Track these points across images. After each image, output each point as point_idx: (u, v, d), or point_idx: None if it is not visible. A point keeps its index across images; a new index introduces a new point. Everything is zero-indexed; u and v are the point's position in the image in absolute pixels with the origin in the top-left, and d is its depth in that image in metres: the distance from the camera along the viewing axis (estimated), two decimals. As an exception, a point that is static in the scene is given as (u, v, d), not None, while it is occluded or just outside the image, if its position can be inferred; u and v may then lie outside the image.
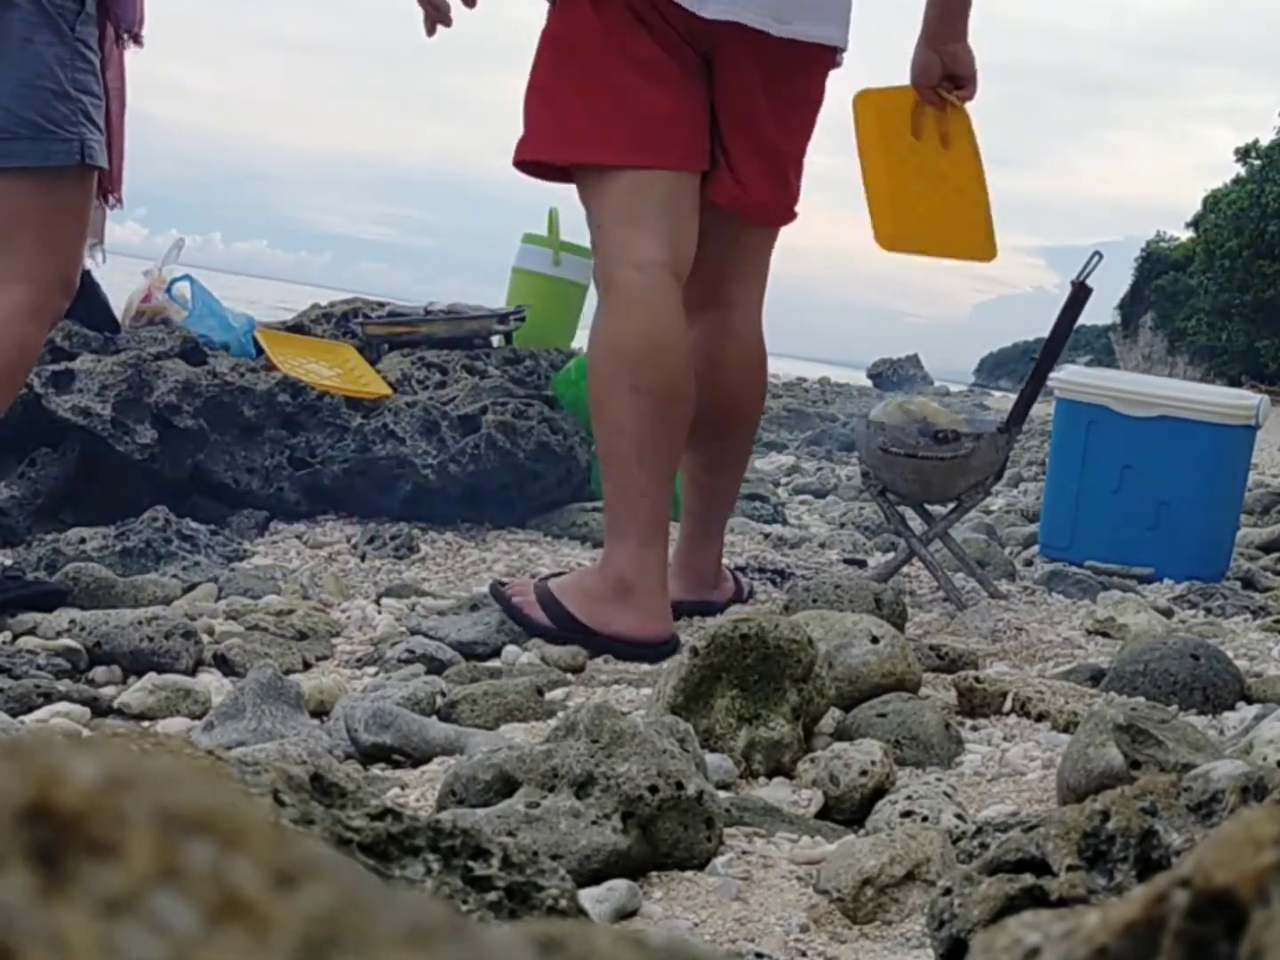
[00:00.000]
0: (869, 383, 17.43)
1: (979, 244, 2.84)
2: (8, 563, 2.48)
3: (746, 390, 2.56)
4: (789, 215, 2.56)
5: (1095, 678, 2.15)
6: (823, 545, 3.56)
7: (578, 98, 2.34)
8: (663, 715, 1.52)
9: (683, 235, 2.33)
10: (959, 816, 1.43)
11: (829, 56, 2.45)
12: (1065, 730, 1.83)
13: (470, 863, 0.92)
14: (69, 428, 2.93)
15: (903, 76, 2.66)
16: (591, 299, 3.25)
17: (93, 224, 3.26)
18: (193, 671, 2.00)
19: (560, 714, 1.68)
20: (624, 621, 2.23)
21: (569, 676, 2.10)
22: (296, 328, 3.92)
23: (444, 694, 1.89)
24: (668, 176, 2.32)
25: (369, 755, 1.67)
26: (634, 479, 2.26)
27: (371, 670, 2.10)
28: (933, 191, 2.79)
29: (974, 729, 1.89)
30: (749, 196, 2.44)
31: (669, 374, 2.27)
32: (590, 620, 2.24)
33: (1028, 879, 0.95)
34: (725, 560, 3.05)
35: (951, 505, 2.93)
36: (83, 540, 2.55)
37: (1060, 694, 1.97)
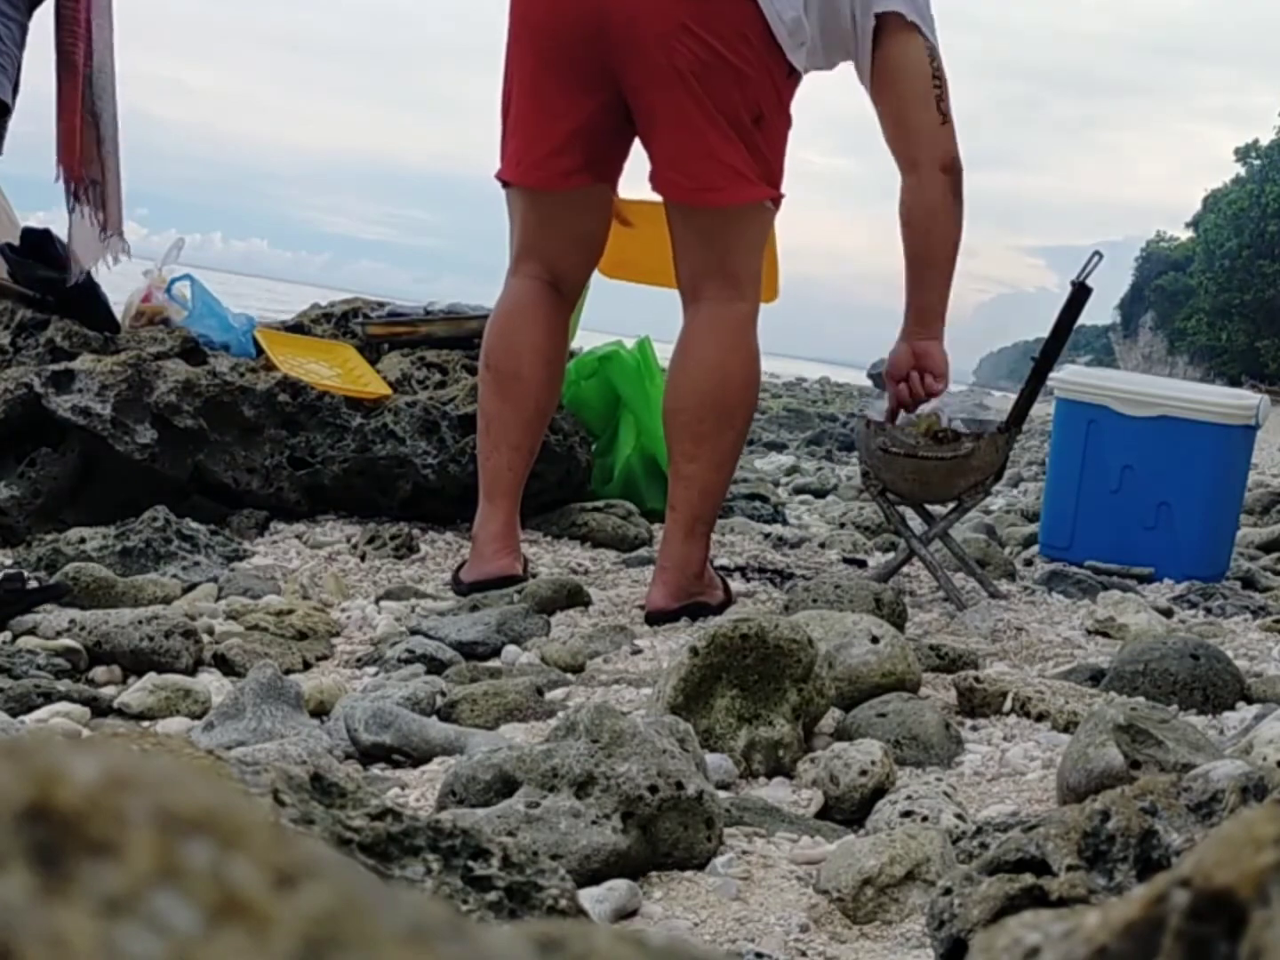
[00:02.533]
0: (869, 383, 17.45)
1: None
2: (8, 563, 2.48)
3: (706, 371, 2.54)
4: (713, 195, 2.53)
5: (1095, 678, 2.15)
6: (823, 545, 3.56)
7: (502, 119, 2.70)
8: (663, 715, 1.52)
9: (560, 247, 2.71)
10: (959, 816, 1.43)
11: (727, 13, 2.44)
12: (1065, 730, 1.83)
13: (470, 863, 0.92)
14: (69, 428, 2.93)
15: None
16: (591, 299, 3.26)
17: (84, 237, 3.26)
18: (193, 671, 2.00)
19: (560, 714, 1.68)
20: (474, 569, 2.67)
21: (569, 676, 2.10)
22: (296, 328, 3.92)
23: (444, 694, 1.89)
24: (547, 195, 2.66)
25: (369, 755, 1.67)
26: (482, 445, 2.75)
27: (371, 670, 2.09)
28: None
29: (974, 729, 1.89)
30: (661, 180, 2.59)
31: (513, 358, 2.69)
32: (463, 577, 2.67)
33: (1028, 879, 0.95)
34: (725, 560, 3.05)
35: (951, 505, 2.93)
36: (83, 540, 2.55)
37: (1060, 694, 1.97)
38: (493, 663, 2.18)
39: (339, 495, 3.23)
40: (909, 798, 1.46)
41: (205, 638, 2.10)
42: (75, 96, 2.91)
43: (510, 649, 2.23)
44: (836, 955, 1.18)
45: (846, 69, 2.69)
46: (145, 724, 1.77)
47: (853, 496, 4.88)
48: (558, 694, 1.96)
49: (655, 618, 2.48)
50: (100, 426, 2.91)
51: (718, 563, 2.93)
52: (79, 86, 2.93)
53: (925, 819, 1.41)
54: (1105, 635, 2.58)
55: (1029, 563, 3.58)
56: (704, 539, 2.60)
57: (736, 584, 2.84)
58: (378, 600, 2.54)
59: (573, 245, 2.74)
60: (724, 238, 2.56)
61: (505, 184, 2.73)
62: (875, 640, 1.91)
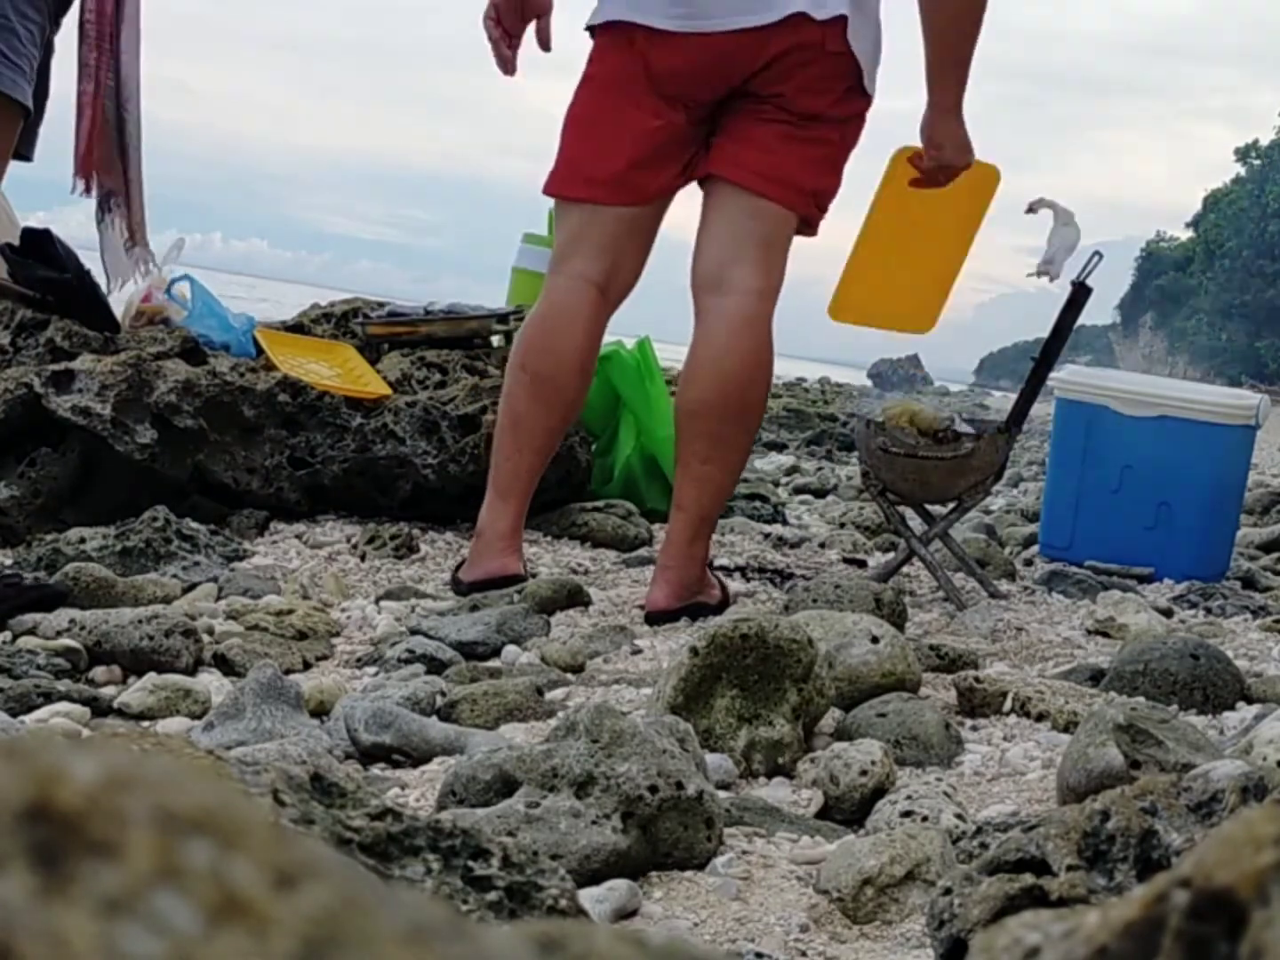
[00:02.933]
0: (869, 383, 17.47)
1: (918, 318, 3.16)
2: (8, 563, 2.48)
3: (732, 374, 2.54)
4: (774, 188, 2.58)
5: (1095, 678, 2.15)
6: (823, 545, 3.56)
7: (564, 138, 2.70)
8: (663, 715, 1.52)
9: (619, 262, 2.67)
10: (959, 816, 1.43)
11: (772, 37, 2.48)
12: (1065, 730, 1.83)
13: (470, 863, 0.92)
14: (69, 428, 2.93)
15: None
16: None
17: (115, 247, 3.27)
18: (193, 671, 2.00)
19: (560, 714, 1.68)
20: (477, 568, 2.64)
21: (569, 676, 2.10)
22: (296, 328, 3.92)
23: (444, 694, 1.89)
24: (612, 211, 2.63)
25: (369, 755, 1.67)
26: (504, 442, 2.69)
27: (371, 670, 2.09)
28: (902, 266, 3.04)
29: (974, 729, 1.89)
30: (726, 159, 2.60)
31: (553, 361, 2.63)
32: (463, 576, 2.65)
33: (1028, 879, 0.95)
34: (725, 560, 3.05)
35: (951, 505, 2.93)
36: (83, 540, 2.55)
37: (1060, 694, 1.97)
38: (493, 663, 2.18)
39: (339, 495, 3.24)
40: (909, 798, 1.46)
41: (205, 638, 2.10)
42: (92, 107, 2.92)
43: (510, 649, 2.23)
44: (836, 955, 1.18)
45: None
46: (145, 724, 1.77)
47: (853, 496, 4.88)
48: (558, 694, 1.96)
49: (655, 618, 2.48)
50: (100, 426, 2.91)
51: (718, 563, 2.94)
52: (98, 97, 2.94)
53: (925, 819, 1.41)
54: (1105, 635, 2.58)
55: (1029, 563, 3.58)
56: (706, 540, 2.61)
57: (736, 584, 2.84)
58: (378, 600, 2.54)
59: (638, 254, 2.72)
60: (765, 228, 2.59)
61: (584, 202, 2.67)
62: (875, 640, 1.91)
